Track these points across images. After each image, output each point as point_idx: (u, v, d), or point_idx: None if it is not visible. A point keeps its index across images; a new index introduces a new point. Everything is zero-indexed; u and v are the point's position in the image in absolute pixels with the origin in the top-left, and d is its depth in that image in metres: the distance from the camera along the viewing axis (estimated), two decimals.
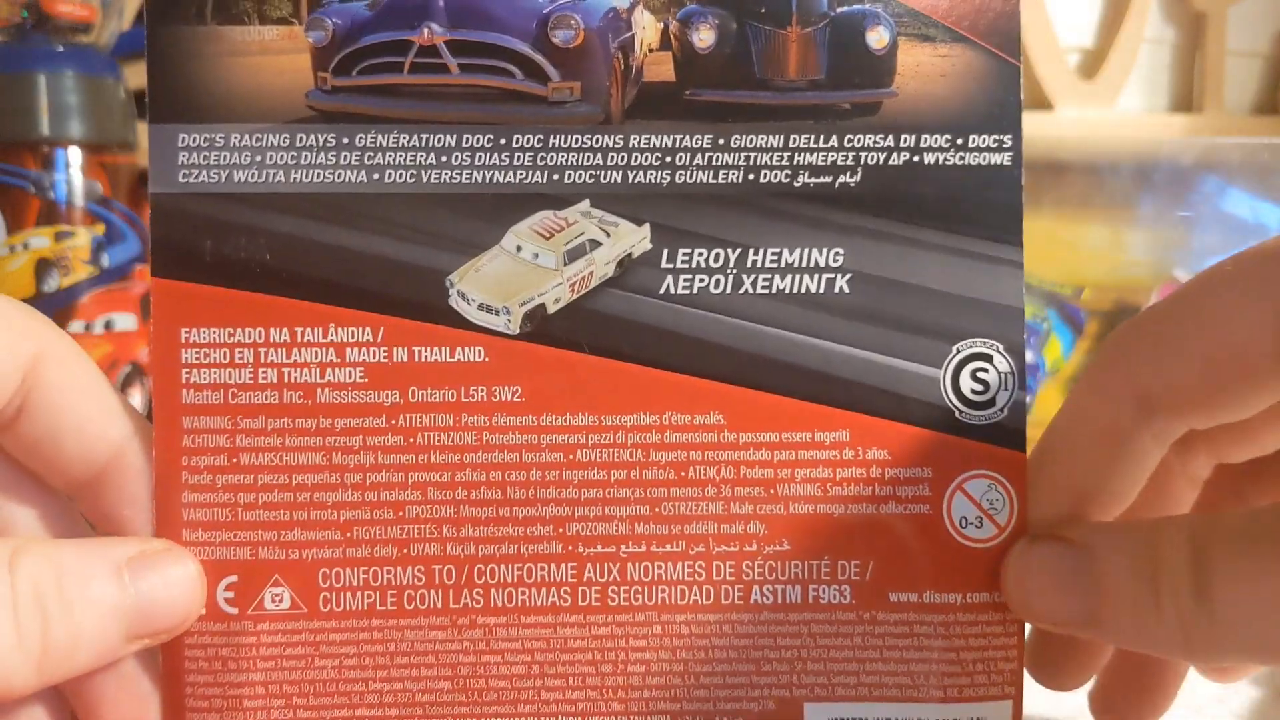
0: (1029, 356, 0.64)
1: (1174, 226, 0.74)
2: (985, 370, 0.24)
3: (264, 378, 0.24)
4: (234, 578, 0.24)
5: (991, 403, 0.24)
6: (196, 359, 0.24)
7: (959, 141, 0.24)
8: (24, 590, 0.21)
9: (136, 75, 0.51)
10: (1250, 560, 0.20)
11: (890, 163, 0.24)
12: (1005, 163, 0.24)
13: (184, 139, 0.23)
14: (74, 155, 0.46)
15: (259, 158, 0.24)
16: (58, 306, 0.46)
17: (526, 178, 0.24)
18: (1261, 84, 0.80)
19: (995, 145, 0.24)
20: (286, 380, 0.24)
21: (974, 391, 0.24)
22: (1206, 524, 0.21)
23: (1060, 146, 0.72)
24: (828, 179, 0.24)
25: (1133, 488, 0.24)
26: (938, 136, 0.24)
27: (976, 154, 0.24)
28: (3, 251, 0.46)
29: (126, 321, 0.47)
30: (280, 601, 0.24)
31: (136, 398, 0.46)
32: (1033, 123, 0.76)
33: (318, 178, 0.24)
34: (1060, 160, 0.72)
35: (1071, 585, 0.22)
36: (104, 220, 0.47)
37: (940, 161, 0.24)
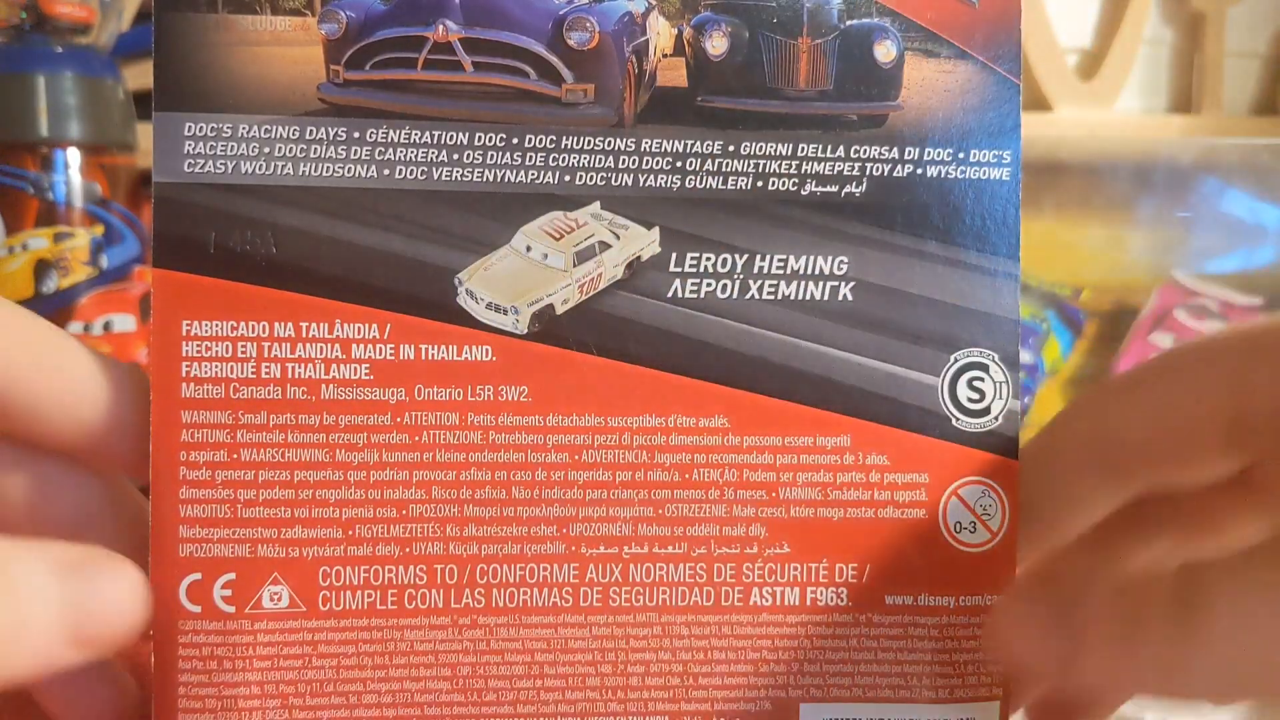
0: (1028, 357, 0.65)
1: (1173, 227, 0.75)
2: (981, 380, 0.25)
3: (267, 373, 0.23)
4: (231, 575, 0.23)
5: (987, 411, 0.25)
6: (197, 352, 0.23)
7: (960, 155, 0.25)
8: None
9: (136, 76, 0.50)
10: (1236, 594, 0.20)
11: (895, 174, 0.24)
12: (1004, 177, 0.25)
13: (190, 128, 0.23)
14: (73, 156, 0.46)
15: (267, 149, 0.23)
16: (56, 307, 0.45)
17: (538, 178, 0.24)
18: (1260, 85, 0.81)
19: (995, 160, 0.25)
20: (290, 376, 0.23)
21: (970, 400, 0.25)
22: (1194, 565, 0.21)
23: (1059, 147, 0.73)
24: (834, 188, 0.24)
25: (1074, 523, 0.25)
26: (940, 150, 0.24)
27: (977, 168, 0.25)
28: (1, 253, 0.45)
29: (125, 323, 0.46)
30: (279, 600, 0.23)
31: None
32: (1032, 123, 0.76)
33: (327, 171, 0.23)
34: (1059, 161, 0.73)
35: (1052, 628, 0.22)
36: (103, 221, 0.46)
37: (943, 174, 0.25)
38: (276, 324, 0.23)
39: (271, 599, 0.23)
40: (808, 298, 0.24)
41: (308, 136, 0.23)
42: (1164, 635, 0.20)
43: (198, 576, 0.23)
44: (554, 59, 0.24)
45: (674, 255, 0.24)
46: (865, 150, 0.24)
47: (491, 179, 0.24)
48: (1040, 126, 0.75)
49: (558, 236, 0.24)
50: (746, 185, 0.24)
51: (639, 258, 0.24)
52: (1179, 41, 0.80)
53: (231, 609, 0.23)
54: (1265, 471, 0.23)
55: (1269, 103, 0.81)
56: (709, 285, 0.24)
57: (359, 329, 0.23)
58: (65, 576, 0.21)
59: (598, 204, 0.24)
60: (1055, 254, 0.74)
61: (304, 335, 0.23)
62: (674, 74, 0.24)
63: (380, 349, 0.24)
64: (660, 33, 0.24)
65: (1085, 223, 0.75)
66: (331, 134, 0.23)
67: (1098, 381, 0.24)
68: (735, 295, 0.24)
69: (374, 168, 0.23)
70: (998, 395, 0.25)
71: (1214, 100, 0.78)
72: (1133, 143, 0.75)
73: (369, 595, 0.24)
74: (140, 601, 0.22)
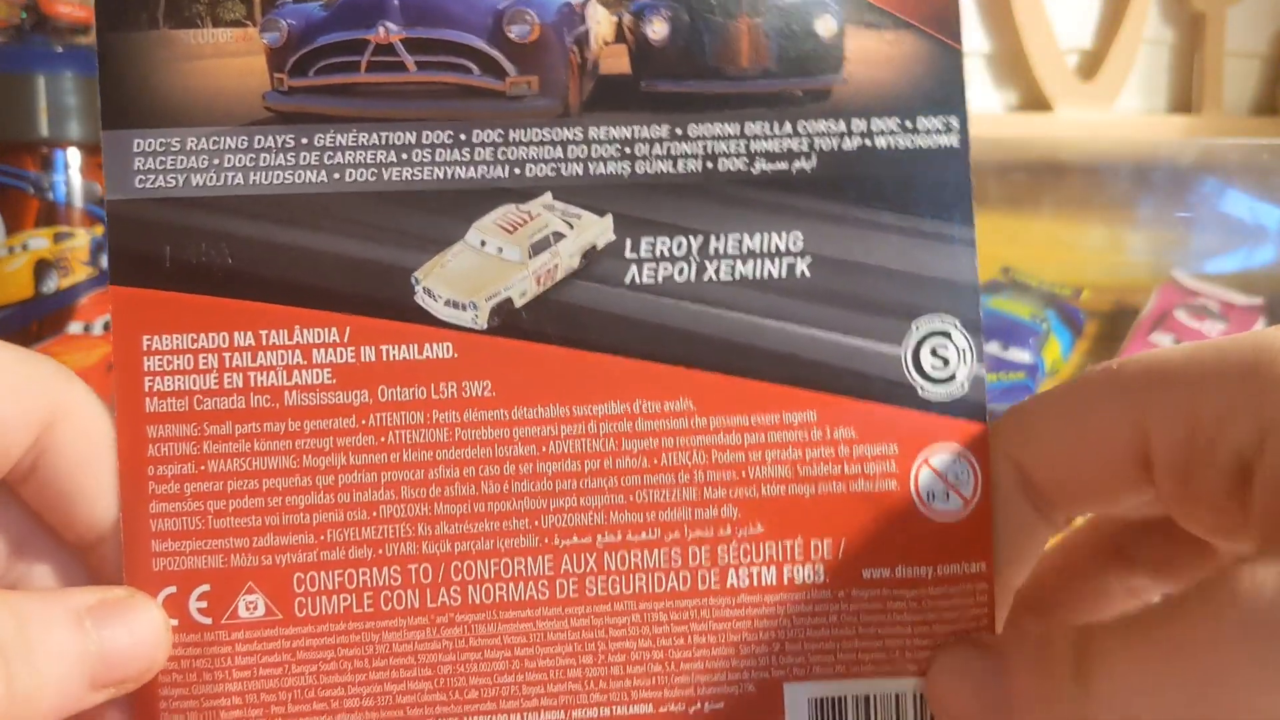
0: (1028, 357, 0.65)
1: (1173, 227, 0.75)
2: (945, 346, 0.25)
3: (229, 383, 0.23)
4: (206, 587, 0.23)
5: (952, 378, 0.25)
6: (159, 366, 0.23)
7: (908, 124, 0.25)
8: None
9: None
10: (1124, 648, 0.20)
11: (843, 147, 0.24)
12: (953, 144, 0.25)
13: (139, 144, 0.23)
14: (73, 156, 0.46)
15: (217, 161, 0.23)
16: (57, 307, 0.45)
17: (488, 172, 0.24)
18: (1260, 85, 0.81)
19: (943, 127, 0.25)
20: (252, 384, 0.23)
21: (934, 367, 0.25)
22: (1088, 629, 0.22)
23: (1059, 147, 0.73)
24: (784, 165, 0.24)
25: (1020, 557, 0.25)
26: (887, 120, 0.25)
27: (925, 136, 0.25)
28: (2, 253, 0.45)
29: None
30: (255, 609, 0.23)
31: None
32: (1032, 123, 0.77)
33: (277, 179, 0.23)
34: (1059, 161, 0.73)
35: (983, 686, 0.23)
36: (103, 221, 0.47)
37: (891, 145, 0.25)
38: (236, 334, 0.23)
39: (247, 608, 0.23)
40: (765, 275, 0.24)
41: (256, 145, 0.23)
42: (1063, 688, 0.21)
43: (173, 590, 0.23)
44: (496, 53, 0.24)
45: (629, 241, 0.24)
46: (812, 125, 0.24)
47: (441, 176, 0.24)
48: (1040, 126, 0.75)
49: (511, 230, 0.24)
50: (696, 167, 0.24)
51: (594, 246, 0.24)
52: (1179, 41, 0.79)
53: (208, 620, 0.23)
54: (1179, 504, 0.22)
55: (1269, 103, 0.81)
56: (665, 269, 0.24)
57: (319, 334, 0.24)
58: (83, 625, 0.21)
59: (549, 194, 0.24)
60: (1055, 254, 0.74)
61: (264, 343, 0.23)
62: (617, 61, 0.24)
63: (341, 352, 0.24)
64: (600, 21, 0.24)
65: (1085, 223, 0.75)
66: (279, 141, 0.23)
67: (1010, 410, 0.24)
68: (692, 277, 0.24)
69: (324, 172, 0.24)
70: (962, 361, 0.25)
71: (1214, 100, 0.78)
72: (1133, 143, 0.75)
73: (345, 599, 0.24)
74: (161, 638, 0.23)
